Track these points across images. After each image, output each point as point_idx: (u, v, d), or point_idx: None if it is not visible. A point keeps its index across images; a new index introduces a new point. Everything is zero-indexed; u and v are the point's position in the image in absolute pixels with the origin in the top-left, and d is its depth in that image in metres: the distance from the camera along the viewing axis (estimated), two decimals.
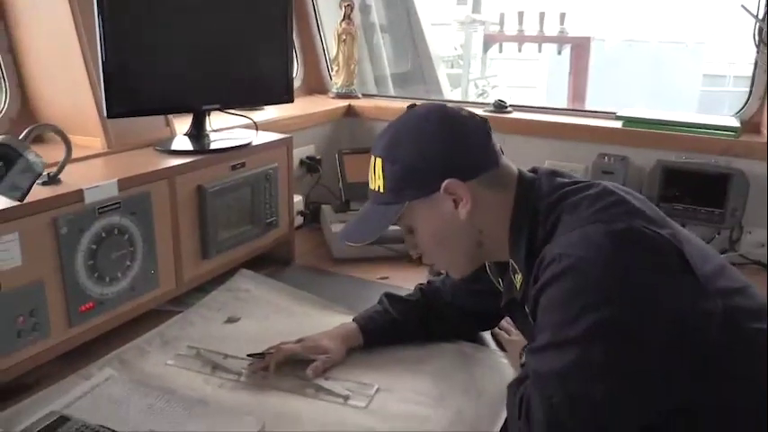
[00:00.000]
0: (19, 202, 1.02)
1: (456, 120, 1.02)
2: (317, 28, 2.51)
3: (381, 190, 1.03)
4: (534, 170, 1.06)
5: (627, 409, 0.85)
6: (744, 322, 0.90)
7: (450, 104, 1.06)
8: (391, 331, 1.27)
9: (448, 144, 0.99)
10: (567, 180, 1.02)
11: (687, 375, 0.86)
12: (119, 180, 1.18)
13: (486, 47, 7.43)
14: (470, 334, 1.33)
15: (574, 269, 0.86)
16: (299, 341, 1.22)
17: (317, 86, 2.55)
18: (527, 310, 1.02)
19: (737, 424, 0.89)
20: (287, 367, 1.19)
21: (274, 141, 1.60)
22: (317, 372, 1.16)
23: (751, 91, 1.93)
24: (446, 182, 0.98)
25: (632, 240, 0.87)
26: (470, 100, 6.11)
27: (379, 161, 1.02)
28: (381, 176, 1.02)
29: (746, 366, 0.89)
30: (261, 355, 1.19)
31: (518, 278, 1.03)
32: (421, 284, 1.36)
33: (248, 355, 1.20)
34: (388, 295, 1.32)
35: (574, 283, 0.86)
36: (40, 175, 1.04)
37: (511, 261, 1.04)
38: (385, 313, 1.29)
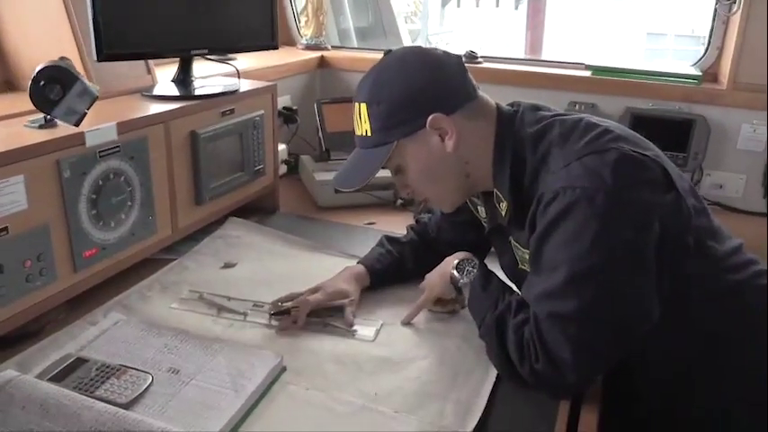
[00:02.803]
0: (75, 126, 1.03)
1: (433, 57, 1.06)
2: None
3: (369, 133, 1.06)
4: (515, 104, 1.10)
5: (643, 321, 0.94)
6: (706, 239, 1.01)
7: (423, 46, 1.09)
8: (395, 271, 1.32)
9: (428, 80, 1.03)
10: (549, 113, 1.07)
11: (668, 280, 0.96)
12: (117, 124, 1.16)
13: (444, 2, 7.37)
14: None
15: (581, 200, 0.92)
16: (316, 290, 1.22)
17: (284, 38, 2.51)
18: (511, 238, 1.09)
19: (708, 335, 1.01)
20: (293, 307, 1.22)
21: (260, 89, 1.59)
22: (351, 320, 1.18)
23: (709, 42, 2.03)
24: (431, 117, 1.02)
25: (626, 165, 0.94)
26: None
27: (363, 106, 1.05)
28: (367, 120, 1.05)
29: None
30: (285, 312, 1.19)
31: (503, 206, 1.09)
32: (411, 225, 1.40)
33: (272, 315, 1.19)
34: (388, 238, 1.37)
35: (584, 214, 0.92)
36: (96, 99, 1.03)
37: (495, 190, 1.09)
38: (388, 254, 1.33)
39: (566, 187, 0.94)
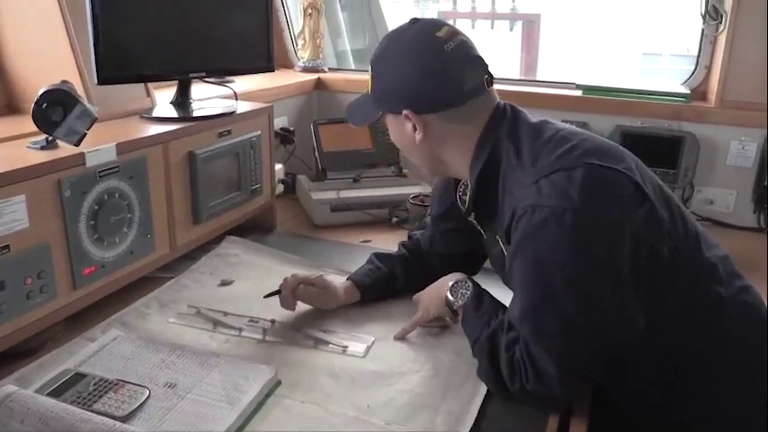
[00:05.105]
0: (75, 146, 1.09)
1: (437, 55, 1.06)
2: (280, 2, 2.52)
3: (369, 90, 1.16)
4: (508, 107, 1.12)
5: (625, 330, 0.96)
6: (684, 249, 1.04)
7: (447, 28, 1.09)
8: (384, 286, 1.34)
9: (416, 81, 1.07)
10: (534, 120, 1.10)
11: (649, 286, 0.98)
12: (116, 144, 1.19)
13: None
14: None
15: (549, 219, 0.95)
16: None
17: (282, 61, 2.57)
18: (498, 233, 1.10)
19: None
20: (288, 321, 1.25)
21: (256, 110, 1.62)
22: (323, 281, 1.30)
23: (698, 61, 2.07)
24: (405, 111, 1.09)
25: (593, 182, 0.96)
26: None
27: (371, 66, 1.14)
28: (370, 81, 1.15)
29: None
30: (277, 292, 1.27)
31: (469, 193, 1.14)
32: (402, 241, 1.43)
33: (265, 297, 1.27)
34: (377, 254, 1.39)
35: (552, 233, 0.94)
36: (95, 120, 1.09)
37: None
38: (376, 270, 1.35)
39: (534, 205, 0.96)
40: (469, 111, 1.09)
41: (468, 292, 1.15)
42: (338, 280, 1.37)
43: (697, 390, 1.05)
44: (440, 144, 1.12)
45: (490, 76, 1.10)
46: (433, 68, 1.06)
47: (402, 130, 1.12)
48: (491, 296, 1.14)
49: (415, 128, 1.10)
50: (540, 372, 0.96)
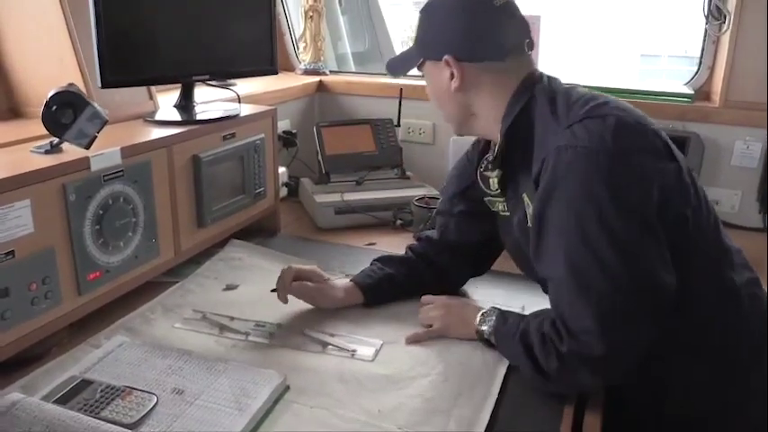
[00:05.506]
0: (86, 149, 1.08)
1: (486, 7, 1.10)
2: (281, 5, 2.51)
3: (413, 42, 1.19)
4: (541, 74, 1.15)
5: (660, 282, 0.95)
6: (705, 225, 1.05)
7: None
8: (388, 287, 1.32)
9: (462, 26, 1.11)
10: (566, 84, 1.13)
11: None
12: (121, 148, 1.18)
13: None
14: (464, 279, 1.40)
15: (582, 157, 0.95)
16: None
17: (283, 64, 2.55)
18: (524, 194, 1.10)
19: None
20: (295, 325, 1.24)
21: (260, 113, 1.62)
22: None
23: (701, 61, 2.07)
24: (446, 56, 1.11)
25: (626, 130, 0.98)
26: None
27: (419, 16, 1.17)
28: (416, 31, 1.18)
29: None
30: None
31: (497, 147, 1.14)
32: (410, 244, 1.42)
33: (272, 291, 1.28)
34: (380, 258, 1.38)
35: (585, 171, 0.95)
36: (106, 122, 1.08)
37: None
38: (379, 270, 1.34)
39: (567, 145, 0.97)
40: (507, 67, 1.12)
41: (494, 318, 1.14)
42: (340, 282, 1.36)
43: (699, 371, 1.05)
44: (474, 94, 1.14)
45: (531, 41, 1.13)
46: (480, 19, 1.10)
47: (439, 77, 1.14)
48: (513, 312, 1.15)
49: (452, 76, 1.12)
50: (575, 330, 0.95)
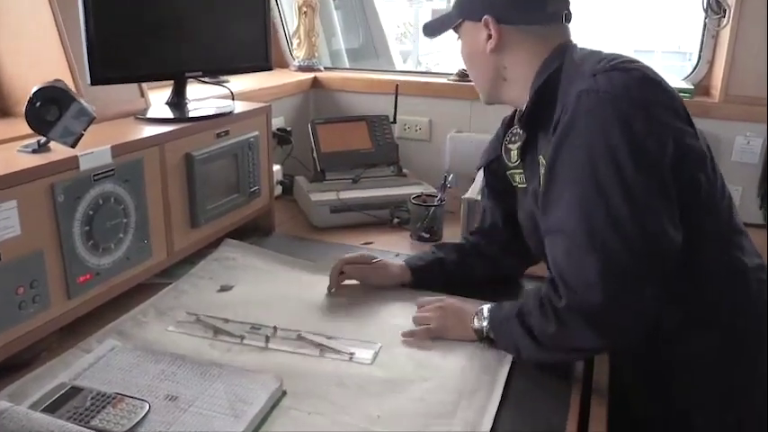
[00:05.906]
0: (71, 148, 1.04)
1: None
2: (274, 1, 2.47)
3: (453, 2, 1.21)
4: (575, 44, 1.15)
5: (666, 236, 0.94)
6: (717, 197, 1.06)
7: None
8: (438, 271, 1.35)
9: None
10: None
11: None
12: (111, 147, 1.15)
13: None
14: (514, 269, 1.41)
15: (605, 102, 0.95)
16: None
17: (277, 60, 2.51)
18: (540, 156, 1.09)
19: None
20: (291, 327, 1.21)
21: (254, 110, 1.58)
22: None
23: (700, 55, 2.05)
24: (485, 16, 1.12)
25: (651, 84, 0.99)
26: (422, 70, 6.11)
27: None
28: None
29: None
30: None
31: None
32: (465, 235, 1.48)
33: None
34: (436, 243, 1.44)
35: (604, 115, 0.94)
36: (93, 119, 1.03)
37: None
38: (431, 254, 1.37)
39: (589, 90, 0.96)
40: (544, 33, 1.12)
41: (490, 311, 1.13)
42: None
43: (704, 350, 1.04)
44: (508, 57, 1.14)
45: (570, 12, 1.14)
46: None
47: (475, 38, 1.15)
48: (509, 301, 1.14)
49: (489, 37, 1.13)
50: (576, 283, 0.94)
